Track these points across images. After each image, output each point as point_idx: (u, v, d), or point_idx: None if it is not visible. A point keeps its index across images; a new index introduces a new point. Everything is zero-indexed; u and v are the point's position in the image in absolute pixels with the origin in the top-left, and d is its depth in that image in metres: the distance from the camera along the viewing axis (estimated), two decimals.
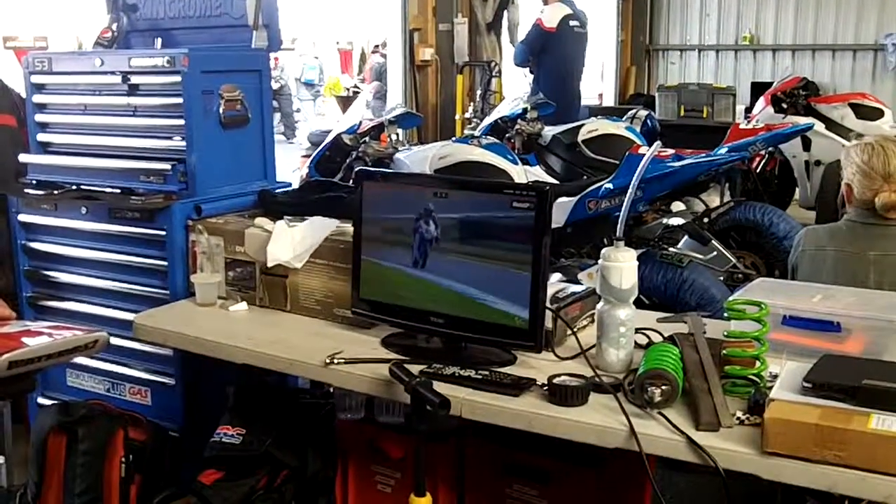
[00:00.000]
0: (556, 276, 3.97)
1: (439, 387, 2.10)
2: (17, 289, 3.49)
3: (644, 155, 2.87)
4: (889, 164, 2.90)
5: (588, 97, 9.81)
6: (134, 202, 3.13)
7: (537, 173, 4.94)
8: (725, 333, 2.17)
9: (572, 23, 7.51)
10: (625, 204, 2.35)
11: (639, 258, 2.29)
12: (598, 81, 11.78)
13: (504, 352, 2.39)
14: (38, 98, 3.46)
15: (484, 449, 2.47)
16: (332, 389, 2.75)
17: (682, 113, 8.40)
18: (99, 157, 3.31)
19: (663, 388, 1.98)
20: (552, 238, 4.34)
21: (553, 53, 7.48)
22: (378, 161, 4.85)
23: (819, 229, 3.19)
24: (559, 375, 2.14)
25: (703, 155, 4.50)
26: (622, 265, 2.23)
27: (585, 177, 4.80)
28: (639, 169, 2.37)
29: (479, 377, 2.22)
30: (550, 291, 2.46)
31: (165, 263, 3.11)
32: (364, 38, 18.88)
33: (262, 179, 3.39)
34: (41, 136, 3.47)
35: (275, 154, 3.46)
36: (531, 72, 7.80)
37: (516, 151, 4.99)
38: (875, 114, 6.89)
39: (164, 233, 3.09)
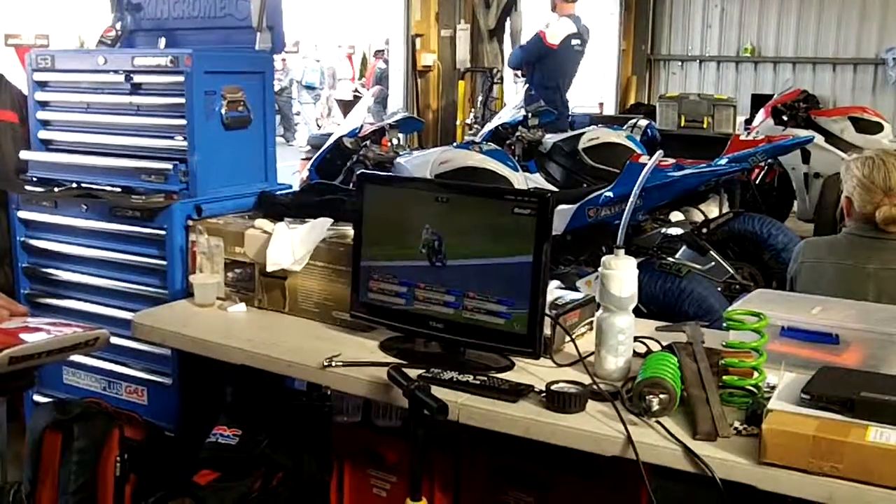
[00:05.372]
0: (554, 284, 3.99)
1: (437, 391, 2.10)
2: (15, 285, 3.49)
3: (644, 164, 2.87)
4: (890, 177, 2.91)
5: (589, 106, 9.83)
6: (134, 201, 3.13)
7: (537, 180, 4.94)
8: (724, 343, 2.17)
9: (574, 42, 7.52)
10: (626, 212, 2.35)
11: (637, 267, 2.29)
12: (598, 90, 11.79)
13: (502, 357, 2.40)
14: (40, 95, 3.46)
15: (481, 455, 2.46)
16: (329, 392, 2.75)
17: (683, 123, 8.41)
18: (100, 155, 3.31)
19: (661, 396, 1.98)
20: (551, 245, 4.38)
21: (548, 66, 7.50)
22: (378, 165, 4.87)
23: (819, 241, 3.19)
24: (557, 382, 2.14)
25: (704, 165, 4.50)
26: (622, 273, 2.23)
27: (585, 185, 4.80)
28: (640, 177, 2.37)
29: (478, 382, 2.22)
30: (549, 298, 2.46)
31: (165, 263, 3.11)
32: (366, 43, 18.88)
33: (263, 181, 3.39)
34: (43, 134, 3.47)
35: (276, 156, 3.47)
36: (523, 75, 7.81)
37: (516, 158, 4.99)
38: (875, 128, 6.91)
39: (164, 232, 3.09)
